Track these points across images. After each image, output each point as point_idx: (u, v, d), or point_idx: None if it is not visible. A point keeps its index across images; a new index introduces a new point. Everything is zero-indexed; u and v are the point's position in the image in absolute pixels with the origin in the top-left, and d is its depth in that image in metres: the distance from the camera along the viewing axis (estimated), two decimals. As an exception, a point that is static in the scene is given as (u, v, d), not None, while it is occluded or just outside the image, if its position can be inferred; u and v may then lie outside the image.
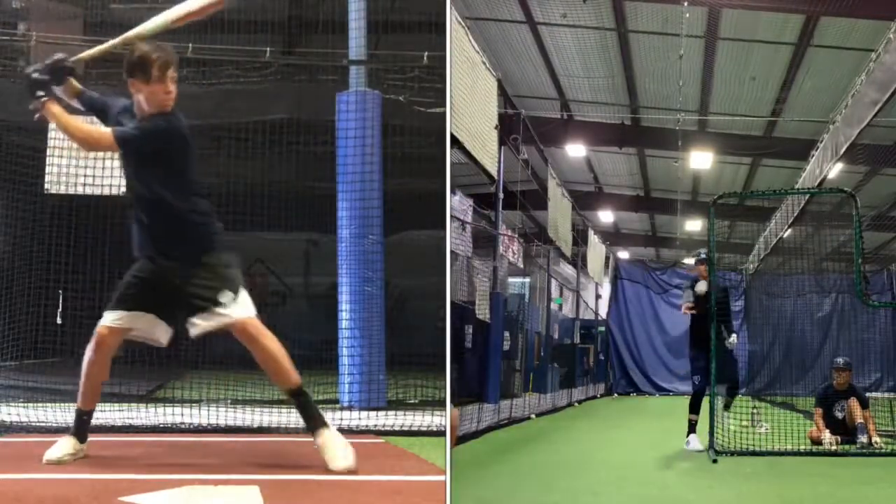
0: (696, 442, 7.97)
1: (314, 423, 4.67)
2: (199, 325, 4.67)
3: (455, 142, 7.99)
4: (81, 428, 4.85)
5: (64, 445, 4.74)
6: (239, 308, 4.72)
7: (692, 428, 8.10)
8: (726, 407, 8.55)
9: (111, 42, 4.86)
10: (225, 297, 4.70)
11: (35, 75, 4.69)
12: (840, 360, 8.96)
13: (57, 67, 4.76)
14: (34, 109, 4.70)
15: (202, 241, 4.83)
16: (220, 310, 4.67)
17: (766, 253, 16.59)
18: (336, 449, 4.57)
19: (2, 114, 8.84)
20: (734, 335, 8.22)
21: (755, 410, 9.93)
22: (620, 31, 12.11)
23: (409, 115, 8.24)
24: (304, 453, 5.48)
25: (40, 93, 4.67)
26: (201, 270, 4.75)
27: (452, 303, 11.24)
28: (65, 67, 4.78)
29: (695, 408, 8.15)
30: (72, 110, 4.88)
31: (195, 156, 4.88)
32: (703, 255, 8.55)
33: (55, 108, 4.68)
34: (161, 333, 4.87)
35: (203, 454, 5.31)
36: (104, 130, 4.69)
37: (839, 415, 8.51)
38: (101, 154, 7.74)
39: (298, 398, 4.76)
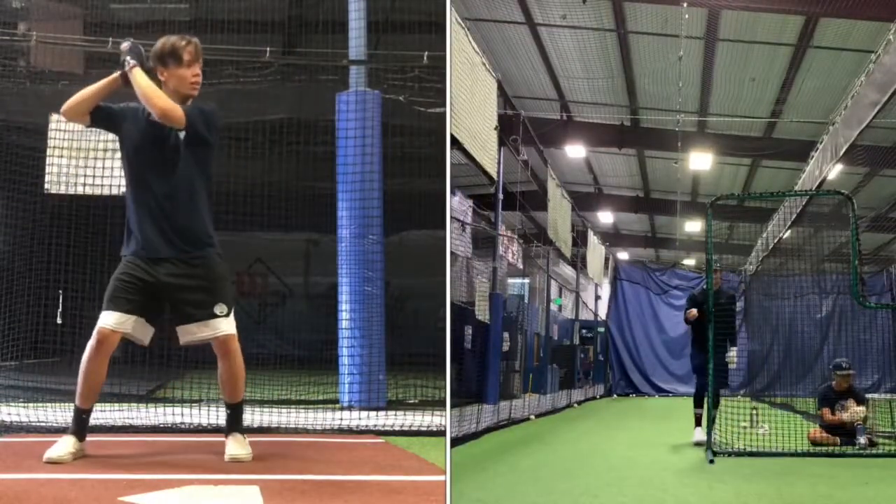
0: (701, 433, 8.25)
1: (232, 428, 5.04)
2: (192, 334, 4.89)
3: (455, 142, 7.99)
4: (81, 427, 4.87)
5: (64, 444, 4.75)
6: (229, 323, 4.91)
7: (697, 421, 8.53)
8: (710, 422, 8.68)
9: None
10: (220, 308, 4.87)
11: (141, 48, 4.82)
12: (843, 363, 8.94)
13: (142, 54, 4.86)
14: (121, 67, 4.78)
15: (211, 242, 4.96)
16: (214, 322, 4.85)
17: (765, 254, 16.59)
18: (232, 447, 4.92)
19: (2, 114, 8.85)
20: (734, 350, 8.37)
21: (754, 411, 9.93)
22: (620, 32, 12.12)
23: (409, 115, 8.24)
24: (305, 453, 5.50)
25: (133, 61, 4.75)
26: (204, 277, 4.88)
27: (452, 303, 11.25)
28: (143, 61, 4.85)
29: (699, 402, 8.54)
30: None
31: None
32: (715, 265, 8.68)
33: (141, 72, 4.76)
34: (147, 335, 4.96)
35: (203, 454, 5.31)
36: (177, 105, 4.76)
37: (838, 414, 8.53)
38: (101, 154, 7.76)
39: (234, 410, 5.09)
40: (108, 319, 4.77)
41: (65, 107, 4.88)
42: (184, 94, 4.87)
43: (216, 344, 4.90)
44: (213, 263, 4.94)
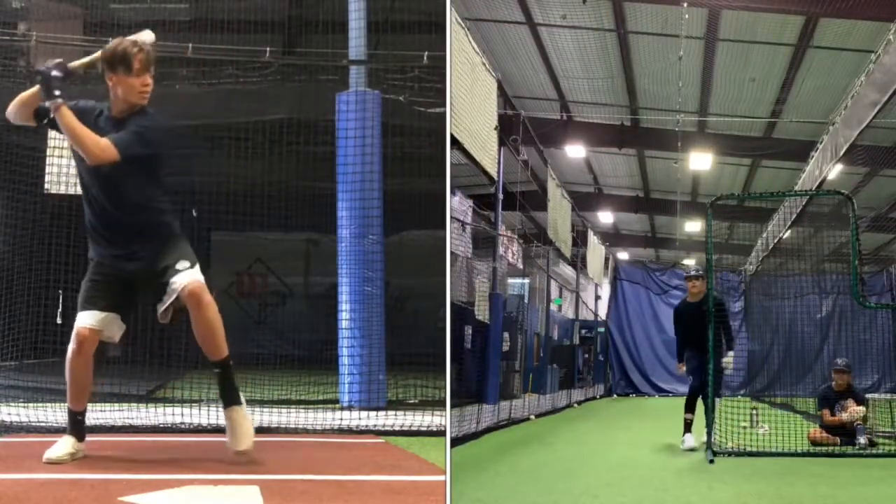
0: (691, 440, 8.10)
1: (229, 398, 4.84)
2: (162, 304, 4.74)
3: (455, 142, 7.99)
4: (77, 427, 4.87)
5: (64, 445, 4.75)
6: (192, 273, 4.73)
7: (687, 427, 8.24)
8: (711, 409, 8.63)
9: (91, 57, 4.82)
10: (181, 264, 4.71)
11: (55, 72, 4.59)
12: (840, 361, 8.97)
13: (66, 70, 4.66)
14: (48, 108, 4.61)
15: (167, 238, 4.90)
16: (177, 277, 4.68)
17: (765, 254, 16.59)
18: (240, 428, 4.78)
19: (2, 114, 8.85)
20: (731, 354, 8.22)
21: (754, 411, 9.93)
22: (620, 32, 12.12)
23: (409, 115, 8.24)
24: (305, 453, 5.50)
25: (57, 92, 4.58)
26: (160, 249, 4.81)
27: (452, 303, 11.26)
28: (71, 72, 4.70)
29: (690, 407, 8.29)
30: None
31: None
32: (692, 272, 8.57)
33: (67, 112, 4.60)
34: (118, 332, 4.89)
35: (203, 454, 5.31)
36: (108, 141, 4.60)
37: (838, 415, 8.54)
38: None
39: (222, 370, 4.85)
40: (87, 320, 4.74)
41: (7, 111, 4.78)
42: (132, 102, 4.74)
43: (186, 298, 4.68)
44: (164, 232, 4.86)
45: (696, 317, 8.01)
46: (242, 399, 4.90)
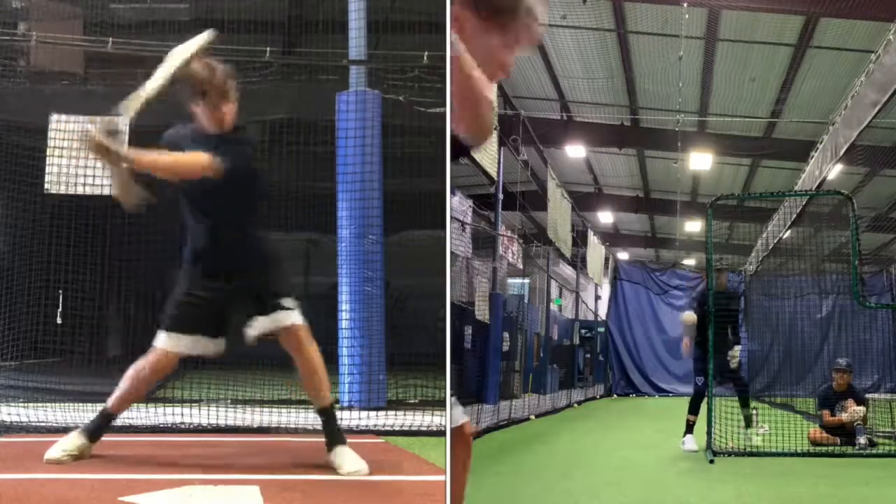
0: (692, 442, 8.04)
1: (332, 440, 4.68)
2: (259, 323, 4.61)
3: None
4: (102, 430, 4.78)
5: (64, 445, 4.70)
6: (296, 314, 4.68)
7: (689, 428, 8.18)
8: (748, 422, 8.47)
9: (159, 80, 4.53)
10: (288, 301, 4.67)
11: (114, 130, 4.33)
12: (842, 361, 8.97)
13: (112, 132, 4.36)
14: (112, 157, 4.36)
15: (266, 253, 4.83)
16: (280, 313, 4.62)
17: (765, 254, 16.60)
18: (348, 458, 4.59)
19: (2, 114, 8.85)
20: (738, 348, 8.18)
21: (754, 411, 9.92)
22: (620, 32, 12.13)
23: (409, 115, 8.24)
24: (305, 453, 5.49)
25: (124, 152, 4.31)
26: (268, 273, 4.73)
27: (452, 303, 11.26)
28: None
29: (694, 408, 8.21)
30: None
31: None
32: (716, 265, 8.47)
33: (142, 156, 4.36)
34: (215, 348, 4.77)
35: (203, 454, 5.31)
36: (203, 156, 4.44)
37: (838, 415, 8.54)
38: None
39: (326, 415, 4.75)
40: (166, 340, 4.62)
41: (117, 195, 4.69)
42: (218, 127, 4.64)
43: (285, 337, 4.64)
44: (259, 249, 4.76)
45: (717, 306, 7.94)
46: (345, 438, 4.75)
